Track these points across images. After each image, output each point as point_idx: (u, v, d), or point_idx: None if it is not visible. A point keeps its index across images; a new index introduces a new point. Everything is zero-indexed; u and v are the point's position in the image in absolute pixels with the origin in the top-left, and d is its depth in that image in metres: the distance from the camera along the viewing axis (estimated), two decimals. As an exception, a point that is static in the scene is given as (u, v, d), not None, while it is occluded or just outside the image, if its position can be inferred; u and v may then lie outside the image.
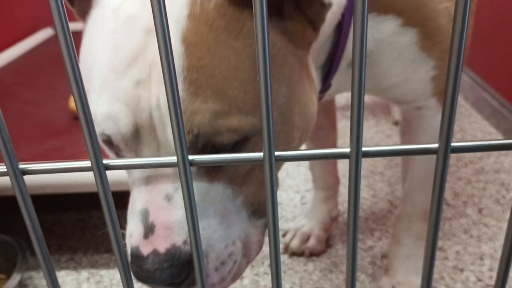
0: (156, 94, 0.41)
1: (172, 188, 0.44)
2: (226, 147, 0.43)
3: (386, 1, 0.60)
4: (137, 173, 0.46)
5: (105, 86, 0.43)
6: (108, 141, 0.46)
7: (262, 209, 0.51)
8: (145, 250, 0.44)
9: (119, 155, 0.48)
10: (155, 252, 0.44)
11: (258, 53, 0.25)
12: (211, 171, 0.45)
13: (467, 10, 0.23)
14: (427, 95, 0.69)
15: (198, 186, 0.45)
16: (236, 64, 0.42)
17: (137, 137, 0.43)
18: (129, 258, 0.47)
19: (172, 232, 0.44)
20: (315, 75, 0.56)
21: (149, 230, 0.44)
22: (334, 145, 1.02)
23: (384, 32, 0.62)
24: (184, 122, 0.40)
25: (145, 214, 0.45)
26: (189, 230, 0.31)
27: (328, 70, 0.62)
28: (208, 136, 0.42)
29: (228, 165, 0.45)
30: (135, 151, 0.44)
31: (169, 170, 0.44)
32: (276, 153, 0.28)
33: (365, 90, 0.69)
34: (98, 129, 0.44)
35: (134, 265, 0.45)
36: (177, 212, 0.44)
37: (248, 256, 0.51)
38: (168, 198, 0.44)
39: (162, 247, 0.44)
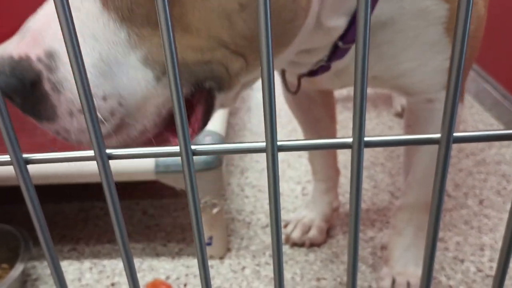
0: None
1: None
2: None
3: None
4: None
5: None
6: None
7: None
8: None
9: None
10: (4, 54, 0.40)
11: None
12: None
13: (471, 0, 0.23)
14: (440, 87, 0.66)
15: (90, 12, 0.39)
16: None
17: None
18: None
19: (37, 41, 0.39)
20: None
21: (21, 36, 0.40)
22: (334, 137, 1.02)
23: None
24: None
25: (29, 22, 0.41)
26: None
27: (343, 35, 0.57)
28: None
29: None
30: None
31: None
32: (279, 143, 0.28)
33: (374, 78, 0.66)
34: None
35: None
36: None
37: (137, 121, 0.43)
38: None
39: (14, 51, 0.39)
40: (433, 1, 0.58)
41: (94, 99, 0.35)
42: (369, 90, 1.73)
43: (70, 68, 0.37)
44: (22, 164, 0.30)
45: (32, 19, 0.40)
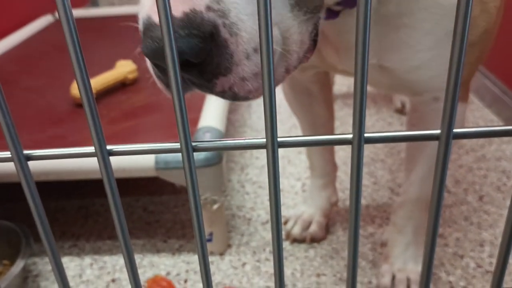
0: None
1: None
2: None
3: None
4: None
5: None
6: None
7: (307, 1, 0.43)
8: (157, 17, 0.39)
9: None
10: (164, 18, 0.35)
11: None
12: None
13: (471, -4, 0.23)
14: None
15: None
16: None
17: None
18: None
19: None
20: None
21: None
22: (332, 133, 1.02)
23: None
24: None
25: None
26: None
27: None
28: None
29: None
30: None
31: None
32: (279, 139, 0.29)
33: (384, 70, 0.64)
34: None
35: (145, 38, 0.37)
36: None
37: (287, 58, 0.42)
38: None
39: (178, 10, 0.36)
40: None
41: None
42: (371, 89, 1.73)
43: (237, 5, 0.37)
44: (23, 161, 0.30)
45: None
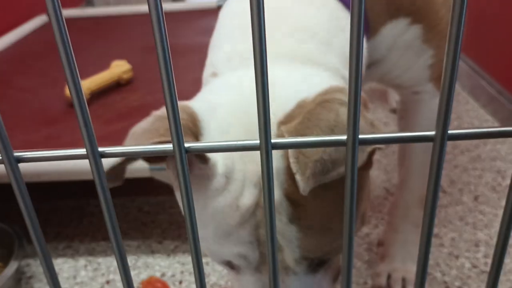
0: None
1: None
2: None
3: (397, 5, 0.64)
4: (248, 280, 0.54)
5: (229, 235, 0.51)
6: (230, 264, 0.55)
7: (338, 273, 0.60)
8: None
9: (237, 269, 0.55)
10: None
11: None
12: (316, 266, 0.54)
13: (466, -4, 0.23)
14: (424, 81, 0.73)
15: (308, 282, 0.54)
16: (334, 202, 0.50)
17: (259, 261, 0.53)
18: None
19: None
20: None
21: None
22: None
23: (396, 34, 0.67)
24: (302, 252, 0.51)
25: None
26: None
27: None
28: (319, 257, 0.52)
29: (329, 262, 0.54)
30: (255, 268, 0.53)
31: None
32: (273, 141, 0.28)
33: (366, 81, 0.72)
34: (223, 260, 0.54)
35: None
36: None
37: None
38: None
39: None
40: (408, 26, 0.67)
41: None
42: (365, 86, 1.73)
43: None
44: (13, 163, 0.29)
45: None
